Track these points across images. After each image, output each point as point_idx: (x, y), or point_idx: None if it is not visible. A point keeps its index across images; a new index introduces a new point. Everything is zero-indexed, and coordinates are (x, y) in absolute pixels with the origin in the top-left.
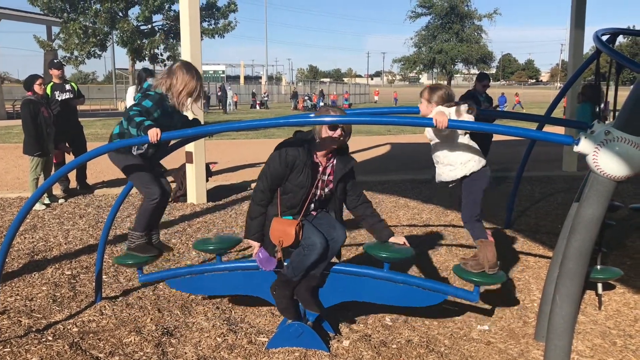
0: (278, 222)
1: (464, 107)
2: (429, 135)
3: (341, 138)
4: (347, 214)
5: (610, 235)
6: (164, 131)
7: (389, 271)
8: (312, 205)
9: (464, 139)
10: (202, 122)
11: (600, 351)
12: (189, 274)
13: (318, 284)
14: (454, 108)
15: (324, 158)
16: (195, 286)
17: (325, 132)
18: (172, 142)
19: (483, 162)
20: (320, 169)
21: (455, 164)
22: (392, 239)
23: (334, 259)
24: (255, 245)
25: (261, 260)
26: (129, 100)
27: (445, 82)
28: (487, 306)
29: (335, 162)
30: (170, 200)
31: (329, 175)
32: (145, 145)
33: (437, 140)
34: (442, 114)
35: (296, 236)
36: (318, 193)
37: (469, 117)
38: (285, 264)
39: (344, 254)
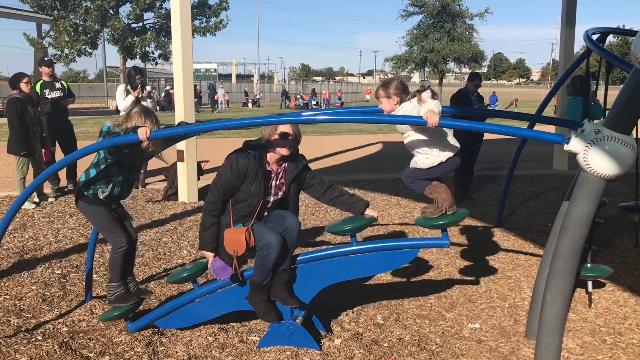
0: (229, 232)
1: (425, 94)
2: (399, 128)
3: (291, 145)
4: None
5: (600, 234)
6: (129, 170)
7: (357, 243)
8: (266, 212)
9: (437, 128)
10: (194, 121)
11: (590, 349)
12: (174, 309)
13: (290, 279)
14: (416, 98)
15: (275, 164)
16: (185, 318)
17: (275, 137)
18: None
19: (457, 145)
20: (273, 175)
21: (431, 152)
22: (368, 211)
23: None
24: (210, 255)
25: (216, 270)
26: (119, 98)
27: (437, 81)
28: (478, 304)
29: (286, 165)
30: (161, 199)
31: (280, 179)
32: (110, 185)
33: (411, 131)
34: (433, 112)
35: (247, 243)
36: (271, 200)
37: (434, 102)
38: (245, 273)
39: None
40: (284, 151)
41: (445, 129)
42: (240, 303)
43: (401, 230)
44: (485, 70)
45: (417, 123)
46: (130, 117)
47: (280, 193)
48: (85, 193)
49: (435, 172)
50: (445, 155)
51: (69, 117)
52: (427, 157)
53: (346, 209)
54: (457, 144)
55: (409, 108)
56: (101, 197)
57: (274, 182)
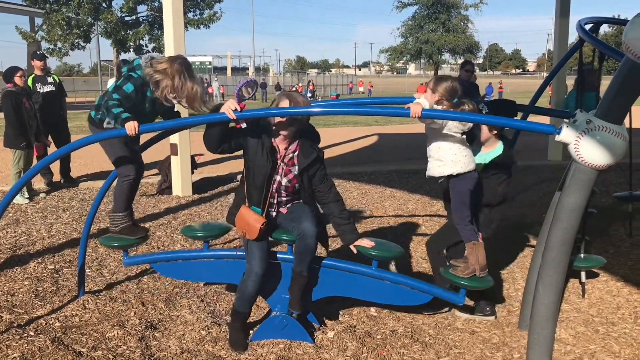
0: (246, 212)
1: (467, 108)
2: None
3: (292, 124)
4: None
5: (593, 224)
6: (145, 117)
7: (377, 269)
8: (282, 199)
9: (458, 138)
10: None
11: (583, 339)
12: (175, 259)
13: (308, 284)
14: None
15: (283, 144)
16: (181, 272)
17: (291, 120)
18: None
19: (472, 165)
20: (279, 155)
21: (445, 160)
22: (357, 242)
23: (323, 253)
24: (230, 104)
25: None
26: None
27: (432, 73)
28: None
29: (298, 152)
30: (155, 193)
31: (288, 163)
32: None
33: (431, 133)
34: (417, 104)
35: (260, 234)
36: (278, 180)
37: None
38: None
39: (333, 247)
40: (285, 128)
41: (463, 142)
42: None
43: (395, 223)
44: (480, 61)
45: (401, 115)
46: (172, 69)
47: (286, 179)
48: (93, 116)
49: (454, 188)
50: (458, 168)
51: (67, 112)
52: (439, 165)
53: (336, 230)
54: (472, 161)
55: None
56: (104, 126)
57: (281, 163)
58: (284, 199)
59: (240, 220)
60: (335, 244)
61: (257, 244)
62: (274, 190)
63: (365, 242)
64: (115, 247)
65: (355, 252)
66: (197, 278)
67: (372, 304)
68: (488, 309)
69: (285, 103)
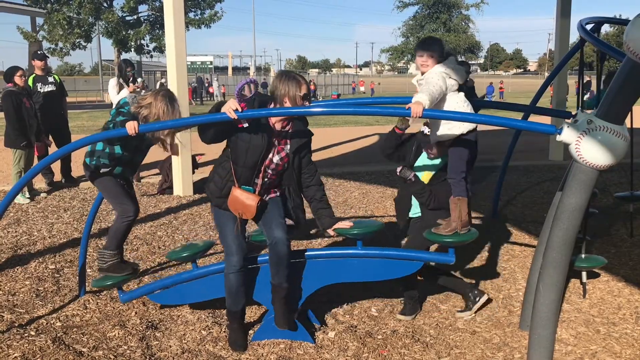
0: (239, 193)
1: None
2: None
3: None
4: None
5: (594, 224)
6: (136, 151)
7: (362, 247)
8: (267, 177)
9: (460, 97)
10: (188, 114)
11: (584, 339)
12: (169, 286)
13: (288, 294)
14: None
15: (279, 123)
16: (178, 296)
17: (300, 101)
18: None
19: (474, 124)
20: (273, 135)
21: (453, 122)
22: (335, 226)
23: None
24: (231, 104)
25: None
26: (112, 92)
27: None
28: None
29: (292, 131)
30: (156, 193)
31: (281, 142)
32: (113, 162)
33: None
34: (418, 103)
35: (257, 211)
36: (270, 157)
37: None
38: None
39: (319, 243)
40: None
41: (466, 102)
42: None
43: (396, 223)
44: (482, 61)
45: (403, 115)
46: (156, 101)
47: (278, 157)
48: (88, 162)
49: (454, 146)
50: (466, 126)
51: (67, 112)
52: (449, 128)
53: (314, 215)
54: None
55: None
56: (101, 172)
57: (274, 142)
58: (267, 180)
59: (234, 203)
60: (323, 242)
61: (232, 236)
62: (262, 169)
63: (344, 224)
64: (108, 287)
65: (333, 235)
66: (194, 299)
67: (373, 304)
68: (476, 292)
69: (307, 89)
